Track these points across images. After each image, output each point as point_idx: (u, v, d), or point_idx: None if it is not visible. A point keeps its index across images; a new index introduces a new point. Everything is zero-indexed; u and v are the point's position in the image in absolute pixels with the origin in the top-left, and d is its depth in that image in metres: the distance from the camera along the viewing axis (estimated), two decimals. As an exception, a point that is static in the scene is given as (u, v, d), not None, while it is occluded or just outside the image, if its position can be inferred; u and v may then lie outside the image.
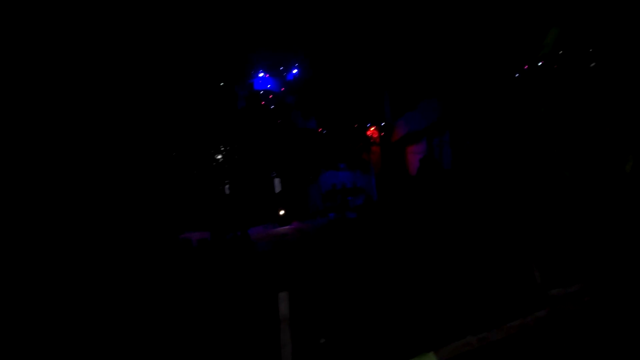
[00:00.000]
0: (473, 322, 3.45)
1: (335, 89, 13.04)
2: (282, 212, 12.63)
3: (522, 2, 7.26)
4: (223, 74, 11.81)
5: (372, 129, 13.54)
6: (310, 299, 4.60)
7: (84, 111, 8.63)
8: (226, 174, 12.26)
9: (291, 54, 13.13)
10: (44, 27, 8.02)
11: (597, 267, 4.19)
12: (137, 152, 9.49)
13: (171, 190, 10.35)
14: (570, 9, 6.41)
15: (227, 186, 12.67)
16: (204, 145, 11.65)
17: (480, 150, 8.68)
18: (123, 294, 5.91)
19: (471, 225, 6.90)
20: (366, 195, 13.70)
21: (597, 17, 6.16)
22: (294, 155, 12.97)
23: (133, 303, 5.46)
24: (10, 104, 7.72)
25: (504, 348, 3.17)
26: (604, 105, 6.11)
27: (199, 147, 11.44)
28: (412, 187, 11.00)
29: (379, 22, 11.28)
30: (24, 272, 6.63)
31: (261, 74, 13.01)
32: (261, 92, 13.01)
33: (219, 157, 12.04)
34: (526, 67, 7.05)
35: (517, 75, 7.28)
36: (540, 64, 6.70)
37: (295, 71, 13.35)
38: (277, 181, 13.48)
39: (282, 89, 13.34)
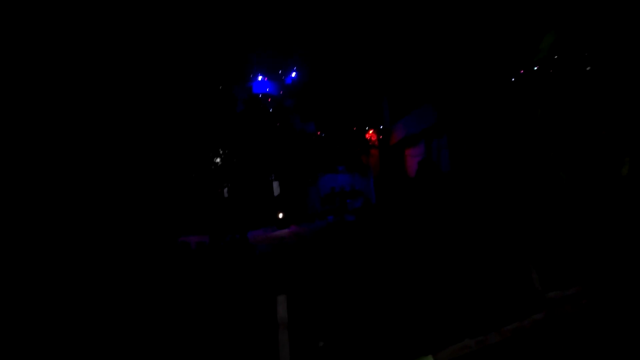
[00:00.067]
0: (471, 325, 3.46)
1: (334, 92, 13.10)
2: (280, 215, 12.62)
3: (517, 8, 7.33)
4: (222, 78, 11.85)
5: (370, 132, 13.60)
6: (309, 302, 4.60)
7: (83, 114, 8.64)
8: (225, 177, 12.27)
9: (290, 58, 13.19)
10: (43, 28, 8.04)
11: (594, 269, 4.21)
12: (135, 155, 9.49)
13: (170, 193, 10.35)
14: (565, 14, 6.48)
15: (225, 189, 12.67)
16: (203, 148, 11.66)
17: (477, 153, 8.72)
18: (122, 297, 5.89)
19: (469, 228, 6.91)
20: (365, 198, 13.73)
21: (592, 22, 6.22)
22: (293, 158, 13.00)
23: (132, 306, 5.45)
24: (10, 104, 7.72)
25: (502, 351, 3.18)
26: (601, 108, 6.16)
27: (197, 150, 11.45)
28: (411, 190, 11.03)
29: (378, 26, 11.36)
30: (24, 275, 6.61)
31: (260, 78, 13.06)
32: (260, 95, 13.05)
33: (218, 160, 12.06)
34: (522, 71, 7.11)
35: (513, 79, 7.35)
36: (536, 68, 6.76)
37: (294, 75, 13.40)
38: (275, 184, 13.49)
39: (281, 92, 13.38)
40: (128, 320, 4.87)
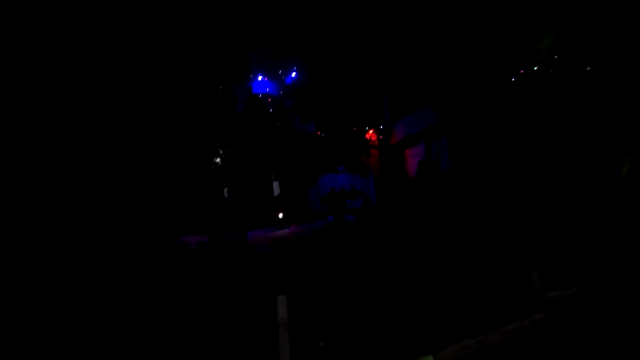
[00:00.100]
0: (471, 325, 3.46)
1: (334, 92, 13.10)
2: (281, 215, 12.62)
3: (517, 8, 7.34)
4: (222, 78, 11.85)
5: (370, 132, 13.60)
6: (309, 302, 4.60)
7: (83, 114, 8.64)
8: (225, 177, 12.28)
9: (290, 58, 13.20)
10: (43, 29, 8.04)
11: (594, 270, 4.21)
12: (136, 156, 9.49)
13: (170, 193, 10.35)
14: (565, 14, 6.48)
15: (225, 189, 12.67)
16: (203, 148, 11.67)
17: (477, 153, 8.72)
18: (122, 297, 5.90)
19: (469, 228, 6.91)
20: (365, 198, 13.73)
21: (592, 22, 6.22)
22: (293, 158, 13.00)
23: (132, 306, 5.45)
24: (10, 105, 7.72)
25: (502, 351, 3.18)
26: (601, 108, 6.16)
27: (197, 150, 11.46)
28: (411, 190, 11.03)
29: (378, 26, 11.37)
30: (25, 275, 6.61)
31: (260, 78, 13.06)
32: (260, 95, 13.05)
33: (218, 160, 12.07)
34: (522, 71, 7.11)
35: (513, 79, 7.35)
36: (536, 68, 6.76)
37: (294, 75, 13.41)
38: (275, 184, 13.49)
39: (281, 92, 13.39)
40: (128, 320, 4.87)
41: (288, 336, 3.21)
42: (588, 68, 6.20)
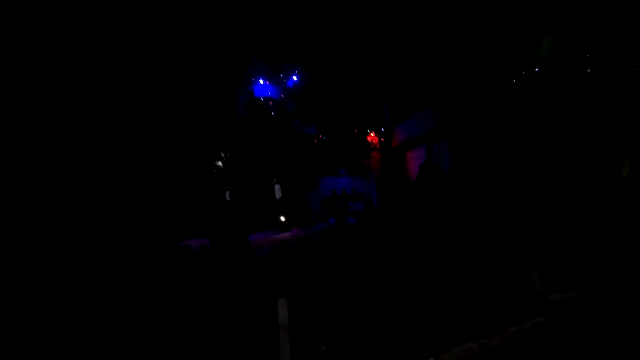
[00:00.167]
0: (473, 328, 3.46)
1: (335, 95, 13.14)
2: (282, 219, 12.65)
3: (517, 11, 7.37)
4: (223, 81, 11.92)
5: (371, 134, 13.62)
6: (310, 305, 4.61)
7: (85, 118, 8.70)
8: (226, 180, 12.32)
9: (291, 61, 13.27)
10: (43, 29, 8.10)
11: (595, 272, 4.20)
12: (138, 159, 9.54)
13: (171, 196, 10.39)
14: (565, 16, 6.51)
15: (227, 193, 12.72)
16: (205, 151, 11.72)
17: (478, 155, 8.72)
18: (124, 300, 5.92)
19: (471, 230, 6.91)
20: (366, 201, 13.74)
21: (593, 24, 6.24)
22: (294, 161, 13.04)
23: (134, 309, 5.47)
24: (11, 105, 7.77)
25: (504, 353, 3.18)
26: (601, 109, 6.16)
27: (199, 153, 11.51)
28: (412, 192, 11.03)
29: (378, 29, 11.42)
30: (26, 278, 6.64)
31: (261, 81, 13.14)
32: (261, 99, 13.12)
33: (219, 163, 12.12)
34: (522, 73, 7.13)
35: (514, 81, 7.37)
36: (536, 70, 6.78)
37: (295, 78, 13.47)
38: (277, 187, 13.53)
39: (282, 95, 13.45)
40: (130, 323, 4.89)
41: (289, 339, 3.21)
42: (588, 70, 6.21)
